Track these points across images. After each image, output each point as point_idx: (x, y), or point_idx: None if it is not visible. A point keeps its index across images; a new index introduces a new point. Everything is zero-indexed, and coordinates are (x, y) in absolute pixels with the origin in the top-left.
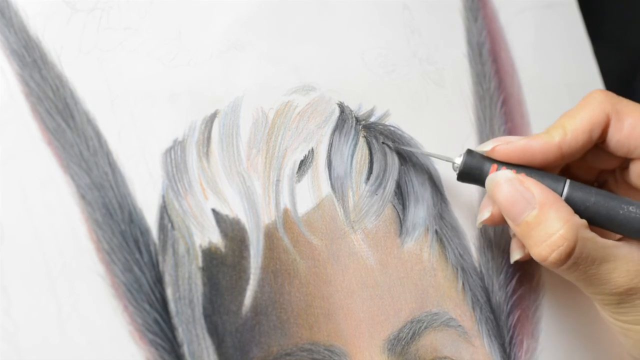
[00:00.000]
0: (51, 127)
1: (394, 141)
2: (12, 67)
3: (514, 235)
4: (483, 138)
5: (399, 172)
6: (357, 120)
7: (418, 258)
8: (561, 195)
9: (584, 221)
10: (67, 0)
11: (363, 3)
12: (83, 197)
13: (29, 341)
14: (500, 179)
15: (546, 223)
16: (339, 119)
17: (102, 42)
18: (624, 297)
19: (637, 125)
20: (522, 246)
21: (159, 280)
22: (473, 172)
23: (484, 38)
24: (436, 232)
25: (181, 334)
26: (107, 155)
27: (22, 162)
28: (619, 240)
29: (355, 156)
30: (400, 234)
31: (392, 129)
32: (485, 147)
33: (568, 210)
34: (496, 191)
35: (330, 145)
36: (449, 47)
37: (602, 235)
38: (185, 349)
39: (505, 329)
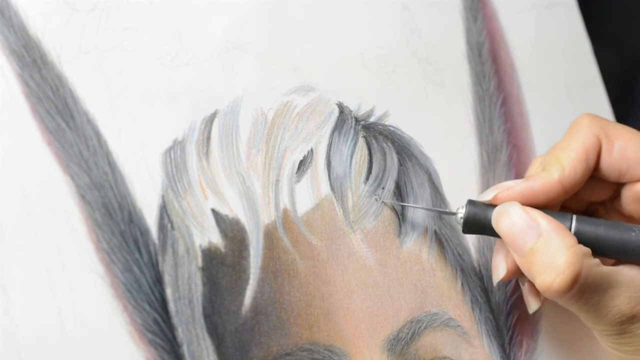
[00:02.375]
0: (51, 127)
1: (397, 199)
2: (12, 67)
3: (525, 284)
4: (482, 138)
5: (398, 173)
6: (357, 120)
7: (417, 258)
8: (570, 230)
9: (587, 249)
10: (67, 0)
11: (363, 3)
12: (83, 197)
13: (29, 341)
14: (507, 210)
15: (550, 249)
16: (338, 119)
17: (102, 42)
18: (626, 327)
19: (628, 148)
20: (537, 293)
21: (158, 280)
22: (477, 220)
23: (483, 38)
24: (435, 232)
25: (181, 333)
26: (107, 155)
27: (22, 162)
28: (619, 265)
29: (355, 156)
30: (400, 234)
31: (391, 129)
32: (487, 197)
33: (572, 238)
34: (502, 222)
35: (330, 145)
36: (448, 47)
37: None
38: (184, 349)
39: (504, 329)
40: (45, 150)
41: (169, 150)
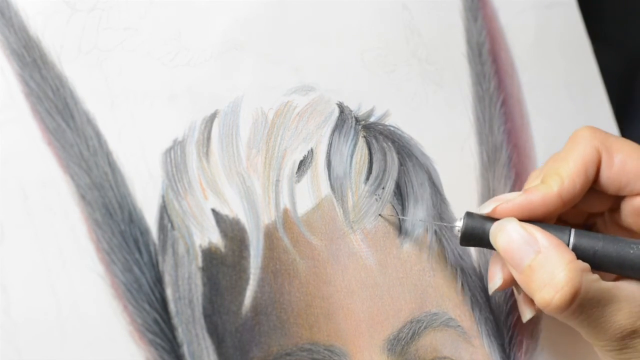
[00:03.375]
0: (51, 127)
1: (396, 214)
2: (12, 67)
3: (520, 294)
4: (482, 138)
5: (399, 173)
6: (357, 120)
7: (417, 258)
8: (568, 245)
9: (586, 264)
10: (67, 0)
11: (363, 3)
12: (83, 197)
13: (29, 341)
14: (504, 226)
15: (548, 266)
16: (338, 119)
17: (102, 42)
18: (627, 342)
19: (628, 161)
20: (532, 303)
21: (158, 280)
22: (475, 232)
23: (483, 38)
24: (435, 232)
25: (181, 334)
26: (107, 155)
27: (22, 162)
28: (618, 280)
29: (355, 156)
30: (400, 234)
31: (391, 129)
32: (486, 209)
33: (571, 253)
34: (500, 238)
35: (330, 145)
36: (448, 47)
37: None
38: (185, 349)
39: (504, 329)
40: (45, 150)
41: (169, 150)
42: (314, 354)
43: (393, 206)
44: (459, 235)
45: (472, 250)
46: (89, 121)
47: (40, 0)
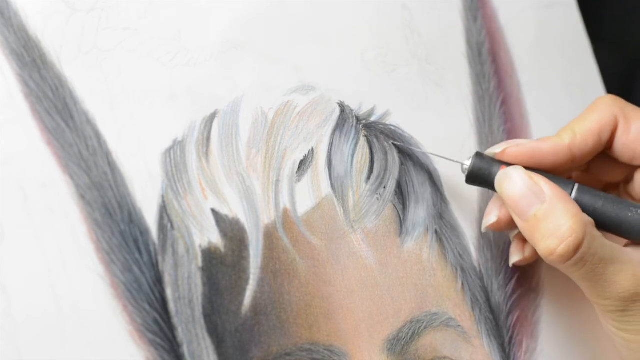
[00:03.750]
0: (50, 127)
1: (401, 142)
2: (11, 67)
3: (514, 238)
4: (482, 138)
5: (400, 172)
6: (358, 119)
7: (418, 258)
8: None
9: (590, 219)
10: (66, 0)
11: (363, 3)
12: (82, 197)
13: (29, 341)
14: (510, 174)
15: (554, 216)
16: (339, 118)
17: (102, 42)
18: (628, 304)
19: None
20: (522, 249)
21: (158, 280)
22: (482, 173)
23: (483, 38)
24: (436, 232)
25: (181, 333)
26: (107, 155)
27: (22, 162)
28: (625, 245)
29: (356, 156)
30: (400, 233)
31: (392, 128)
32: (495, 150)
33: (576, 206)
34: (505, 186)
35: (331, 144)
36: (448, 47)
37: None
38: (185, 349)
39: (504, 329)
40: (44, 150)
41: (168, 150)
42: (313, 354)
43: (394, 205)
44: (466, 173)
45: (473, 250)
46: (89, 121)
47: (39, 0)
